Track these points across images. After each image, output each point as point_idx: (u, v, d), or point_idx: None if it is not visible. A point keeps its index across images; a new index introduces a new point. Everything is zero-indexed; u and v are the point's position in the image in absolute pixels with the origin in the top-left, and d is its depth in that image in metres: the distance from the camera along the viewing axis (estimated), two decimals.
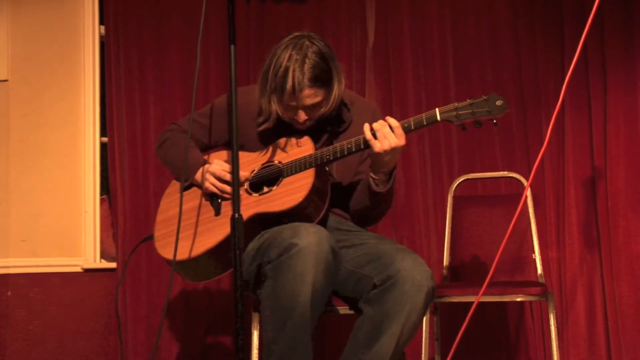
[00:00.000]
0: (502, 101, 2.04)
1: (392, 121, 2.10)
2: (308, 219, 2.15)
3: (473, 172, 3.37)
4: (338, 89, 2.22)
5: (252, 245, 2.16)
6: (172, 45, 3.58)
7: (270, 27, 3.63)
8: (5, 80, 3.55)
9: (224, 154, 2.41)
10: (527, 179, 3.18)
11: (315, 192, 2.16)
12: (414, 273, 2.01)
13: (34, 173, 3.54)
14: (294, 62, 2.13)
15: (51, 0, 3.61)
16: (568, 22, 3.46)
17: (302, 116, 2.22)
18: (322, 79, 2.16)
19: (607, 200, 3.34)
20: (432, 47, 3.60)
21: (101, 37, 3.64)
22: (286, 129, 2.31)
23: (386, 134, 2.08)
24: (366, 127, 2.12)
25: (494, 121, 2.06)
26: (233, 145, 1.94)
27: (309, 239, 1.96)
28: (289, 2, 3.63)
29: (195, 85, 2.16)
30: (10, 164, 3.52)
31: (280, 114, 2.24)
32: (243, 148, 2.37)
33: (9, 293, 3.46)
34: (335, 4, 3.65)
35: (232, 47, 1.99)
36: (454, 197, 3.24)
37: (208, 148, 2.48)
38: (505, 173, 3.30)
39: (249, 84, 2.64)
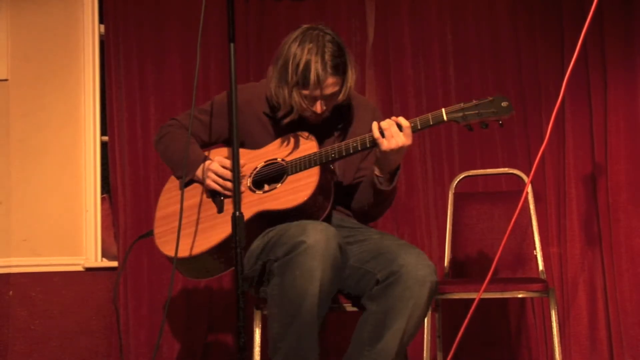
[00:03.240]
0: (507, 102, 2.06)
1: (403, 121, 2.10)
2: (313, 218, 2.15)
3: (474, 169, 3.37)
4: (352, 77, 2.23)
5: (257, 243, 2.16)
6: (172, 44, 3.58)
7: (270, 26, 3.62)
8: (5, 80, 3.55)
9: (224, 151, 2.39)
10: (527, 176, 3.17)
11: (320, 190, 2.16)
12: (417, 268, 2.01)
13: (35, 172, 3.54)
14: (314, 54, 2.14)
15: (51, 0, 3.61)
16: (568, 21, 3.46)
17: (321, 106, 2.22)
18: (341, 67, 2.18)
19: (607, 196, 3.34)
20: (432, 45, 3.59)
21: (101, 36, 3.64)
22: (291, 124, 2.30)
23: (394, 133, 2.09)
24: (375, 125, 2.12)
25: (500, 122, 2.08)
26: (233, 143, 1.94)
27: (317, 236, 1.97)
28: (288, 0, 3.63)
29: (196, 84, 2.17)
30: (11, 164, 3.52)
31: (297, 107, 2.23)
32: (244, 145, 2.36)
33: (11, 293, 3.46)
34: (335, 2, 3.64)
35: (232, 45, 1.99)
36: (455, 194, 3.23)
37: (208, 145, 2.47)
38: (506, 169, 3.30)
39: (248, 81, 2.64)
